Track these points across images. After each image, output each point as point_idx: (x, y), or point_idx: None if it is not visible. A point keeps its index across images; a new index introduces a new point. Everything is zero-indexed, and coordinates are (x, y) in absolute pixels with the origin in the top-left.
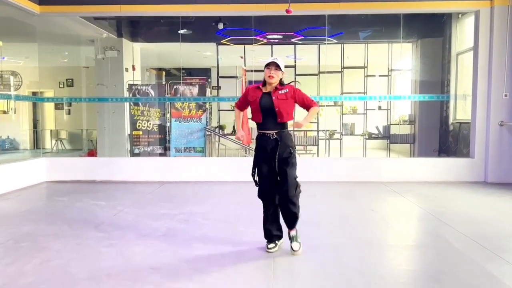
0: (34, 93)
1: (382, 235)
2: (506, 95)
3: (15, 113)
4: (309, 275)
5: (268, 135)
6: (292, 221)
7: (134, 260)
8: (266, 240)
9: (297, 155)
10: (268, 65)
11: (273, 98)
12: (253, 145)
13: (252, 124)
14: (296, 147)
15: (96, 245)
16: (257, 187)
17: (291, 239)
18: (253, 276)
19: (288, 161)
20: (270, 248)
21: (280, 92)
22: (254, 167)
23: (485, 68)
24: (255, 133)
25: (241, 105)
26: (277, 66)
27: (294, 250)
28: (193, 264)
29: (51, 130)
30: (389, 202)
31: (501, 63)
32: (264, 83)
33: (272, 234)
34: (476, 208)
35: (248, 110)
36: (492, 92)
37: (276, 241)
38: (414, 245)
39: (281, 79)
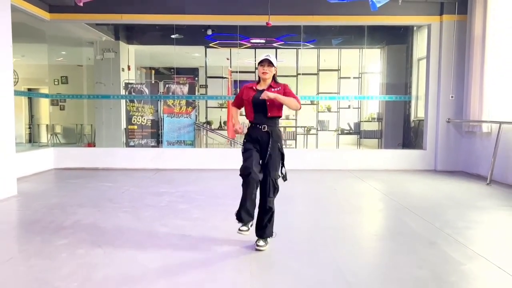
0: (29, 89)
1: (339, 205)
2: (452, 96)
3: None
4: (284, 229)
5: (260, 126)
6: (264, 232)
7: (146, 220)
8: (240, 223)
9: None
10: (261, 62)
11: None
12: (240, 138)
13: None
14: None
15: (113, 211)
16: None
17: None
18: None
19: (275, 162)
20: (243, 230)
21: (273, 90)
22: (243, 145)
23: (435, 73)
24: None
25: (237, 103)
26: (270, 63)
27: (258, 246)
28: (193, 222)
29: (46, 125)
30: (351, 184)
31: (449, 69)
32: (259, 80)
33: (248, 213)
34: (420, 189)
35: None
36: (441, 94)
37: (249, 225)
38: (363, 212)
39: (275, 76)
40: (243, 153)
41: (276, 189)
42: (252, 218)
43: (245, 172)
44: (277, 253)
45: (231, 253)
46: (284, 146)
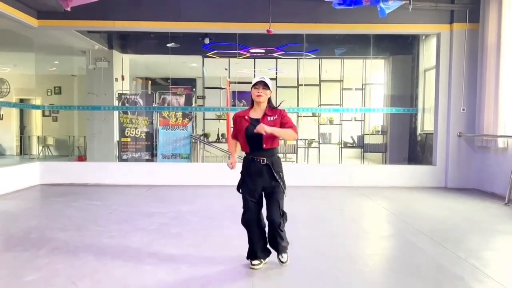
0: (21, 100)
1: (347, 229)
2: (463, 109)
3: (2, 119)
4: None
5: (258, 160)
6: (281, 249)
7: (132, 249)
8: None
9: (285, 180)
10: (255, 85)
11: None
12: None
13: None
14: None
15: (98, 236)
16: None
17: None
18: (239, 252)
19: (276, 190)
20: (255, 265)
21: (269, 119)
22: (239, 185)
23: (445, 85)
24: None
25: (235, 135)
26: (265, 85)
27: (282, 262)
28: (185, 251)
29: (38, 137)
30: (357, 203)
31: (460, 80)
32: (252, 104)
33: (257, 255)
34: (431, 209)
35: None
36: (452, 107)
37: (262, 259)
38: (374, 237)
39: (270, 99)
40: (241, 191)
41: (284, 215)
42: (267, 254)
43: (247, 228)
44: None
45: None
46: (284, 160)
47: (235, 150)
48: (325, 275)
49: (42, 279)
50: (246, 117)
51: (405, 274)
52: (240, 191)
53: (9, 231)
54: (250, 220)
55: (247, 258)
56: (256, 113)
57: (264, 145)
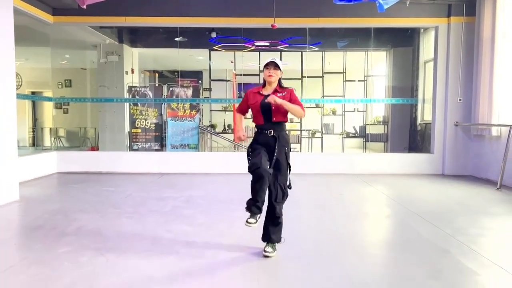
0: (33, 93)
1: (347, 211)
2: (460, 99)
3: None
4: (291, 237)
5: (266, 132)
6: (272, 233)
7: (150, 226)
8: (248, 213)
9: (291, 156)
10: (267, 65)
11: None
12: (243, 143)
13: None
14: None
15: (117, 217)
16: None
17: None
18: (246, 229)
19: (282, 166)
20: (251, 223)
21: (278, 94)
22: (249, 147)
23: (443, 76)
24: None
25: (241, 109)
26: (276, 66)
27: (265, 251)
28: (197, 228)
29: (50, 128)
30: (357, 189)
31: (456, 71)
32: (265, 83)
33: (257, 207)
34: (429, 194)
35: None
36: (449, 97)
37: (257, 217)
38: (371, 218)
39: (280, 80)
40: (251, 152)
41: (284, 194)
42: (261, 211)
43: (253, 167)
44: (285, 261)
45: (237, 261)
46: (290, 150)
47: (240, 124)
48: (325, 251)
49: (74, 251)
50: (260, 92)
51: (397, 248)
52: (249, 158)
53: (36, 213)
54: (257, 163)
55: (246, 207)
56: (267, 91)
57: (274, 118)
